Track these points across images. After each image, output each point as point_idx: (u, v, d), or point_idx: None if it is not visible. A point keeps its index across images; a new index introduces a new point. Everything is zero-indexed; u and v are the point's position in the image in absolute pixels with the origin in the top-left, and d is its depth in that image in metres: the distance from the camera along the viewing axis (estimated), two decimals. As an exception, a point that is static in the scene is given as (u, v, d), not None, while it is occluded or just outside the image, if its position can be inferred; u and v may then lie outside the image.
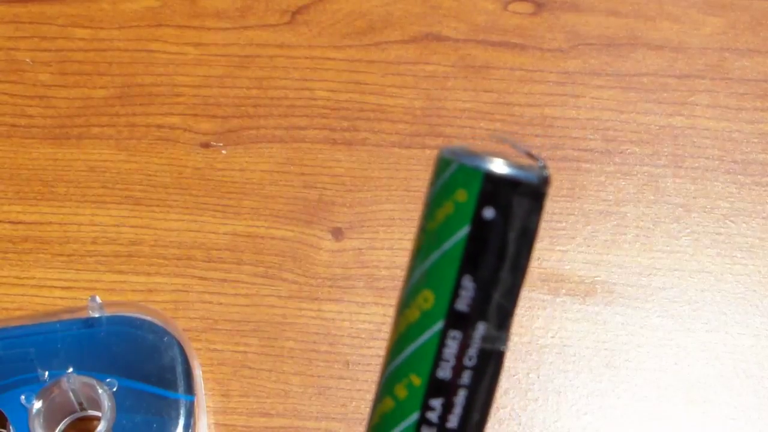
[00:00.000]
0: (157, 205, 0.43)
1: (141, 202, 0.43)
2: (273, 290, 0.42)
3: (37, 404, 0.36)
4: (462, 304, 0.23)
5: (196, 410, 0.37)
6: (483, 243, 0.22)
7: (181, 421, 0.36)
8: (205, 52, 0.47)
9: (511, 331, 0.23)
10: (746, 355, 0.40)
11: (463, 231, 0.22)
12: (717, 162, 0.44)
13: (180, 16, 0.48)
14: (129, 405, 0.36)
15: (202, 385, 0.39)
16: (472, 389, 0.23)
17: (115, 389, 0.36)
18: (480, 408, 0.23)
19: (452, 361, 0.23)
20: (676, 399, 0.40)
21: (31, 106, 0.46)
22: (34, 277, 0.42)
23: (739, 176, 0.44)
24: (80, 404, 0.38)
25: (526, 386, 0.40)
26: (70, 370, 0.37)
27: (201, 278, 0.42)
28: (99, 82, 0.46)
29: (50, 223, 0.43)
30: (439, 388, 0.23)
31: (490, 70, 0.46)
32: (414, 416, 0.23)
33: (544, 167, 0.23)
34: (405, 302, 0.24)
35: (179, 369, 0.37)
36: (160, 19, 0.47)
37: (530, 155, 0.23)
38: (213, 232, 0.43)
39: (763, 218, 0.43)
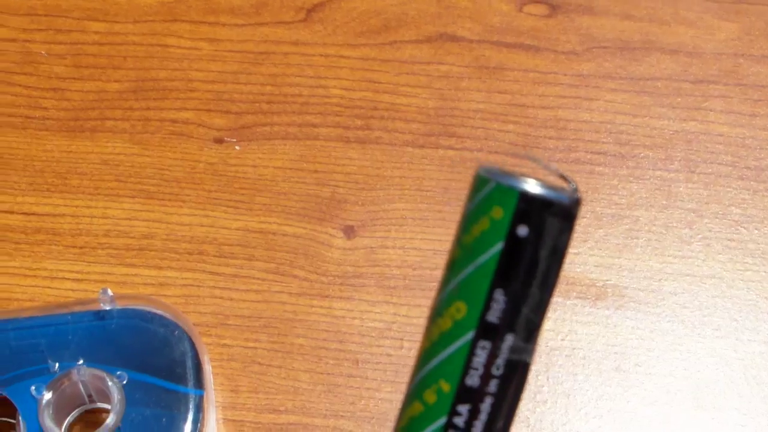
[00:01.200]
0: (170, 200, 0.43)
1: (154, 196, 0.44)
2: (284, 287, 0.42)
3: (47, 395, 0.36)
4: (493, 316, 0.24)
5: (205, 405, 0.37)
6: (515, 259, 0.23)
7: (190, 416, 0.36)
8: (219, 48, 0.47)
9: (537, 343, 0.24)
10: (756, 362, 0.40)
11: (497, 246, 0.23)
12: (730, 168, 0.44)
13: (195, 11, 0.48)
14: (138, 398, 0.36)
15: (212, 380, 0.39)
16: (498, 397, 0.24)
17: (125, 382, 0.36)
18: (504, 415, 0.24)
19: (481, 370, 0.24)
20: (685, 404, 0.39)
21: (45, 98, 0.46)
22: (46, 269, 0.42)
23: (752, 183, 0.44)
24: (90, 396, 0.38)
25: (536, 388, 0.40)
26: (81, 362, 0.37)
27: (212, 273, 0.42)
28: (113, 75, 0.46)
29: (63, 215, 0.43)
30: (467, 394, 0.24)
31: (504, 71, 0.46)
32: (441, 420, 0.24)
33: (576, 189, 0.24)
34: (438, 311, 0.24)
35: (189, 363, 0.37)
36: (176, 14, 0.47)
37: (563, 177, 0.24)
38: (225, 228, 0.43)
39: (775, 225, 0.43)
